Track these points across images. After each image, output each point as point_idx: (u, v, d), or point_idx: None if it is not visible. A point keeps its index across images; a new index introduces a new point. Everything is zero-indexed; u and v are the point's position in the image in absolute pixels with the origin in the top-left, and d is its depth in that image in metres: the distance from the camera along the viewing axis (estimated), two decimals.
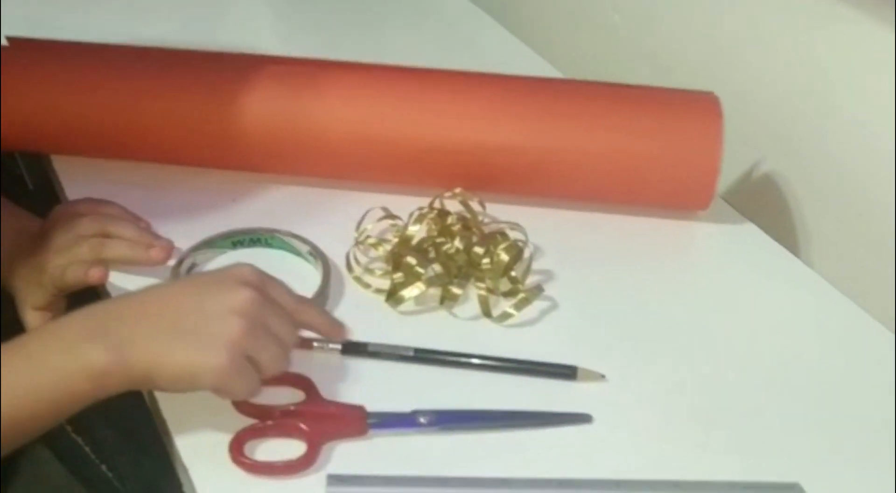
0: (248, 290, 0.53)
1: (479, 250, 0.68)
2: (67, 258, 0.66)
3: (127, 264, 0.66)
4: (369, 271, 0.69)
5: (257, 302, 0.53)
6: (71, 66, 0.75)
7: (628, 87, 0.76)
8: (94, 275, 0.65)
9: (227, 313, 0.52)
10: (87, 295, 0.68)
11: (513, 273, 0.68)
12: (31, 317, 0.69)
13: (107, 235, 0.67)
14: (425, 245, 0.69)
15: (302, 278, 0.67)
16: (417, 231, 0.70)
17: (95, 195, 0.73)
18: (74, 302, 0.70)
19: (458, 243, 0.68)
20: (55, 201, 0.74)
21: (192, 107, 0.74)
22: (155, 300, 0.54)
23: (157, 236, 0.68)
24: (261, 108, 0.73)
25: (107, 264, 0.65)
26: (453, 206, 0.72)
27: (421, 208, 0.71)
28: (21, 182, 0.92)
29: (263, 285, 0.55)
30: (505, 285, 0.67)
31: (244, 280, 0.54)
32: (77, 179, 0.77)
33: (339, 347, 0.62)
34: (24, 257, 0.68)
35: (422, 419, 0.57)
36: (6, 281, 0.69)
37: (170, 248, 0.66)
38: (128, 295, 0.55)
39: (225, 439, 0.55)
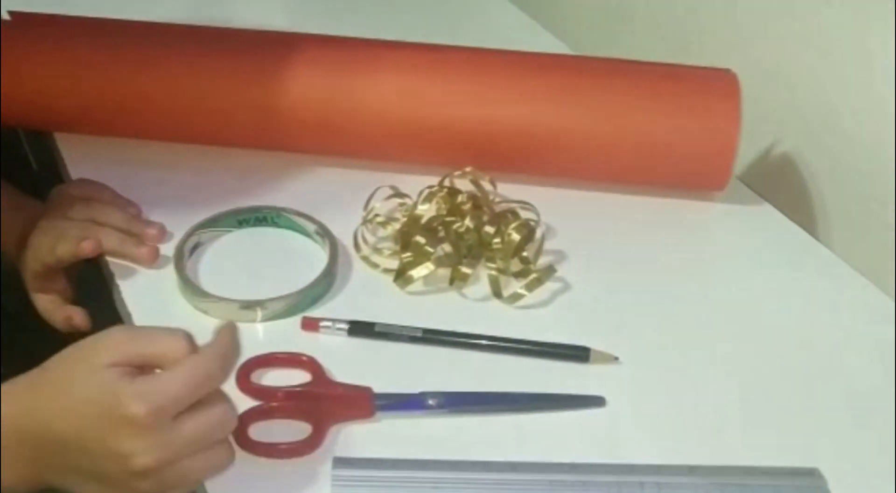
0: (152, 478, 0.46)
1: (489, 229, 0.66)
2: (54, 237, 0.65)
3: (115, 257, 0.66)
4: (377, 250, 0.68)
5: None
6: (73, 41, 0.74)
7: (643, 64, 0.75)
8: (86, 247, 0.64)
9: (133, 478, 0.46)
10: (92, 280, 0.68)
11: (524, 253, 0.66)
12: (36, 301, 0.70)
13: (96, 222, 0.66)
14: (435, 224, 0.68)
15: (308, 257, 0.66)
16: (427, 210, 0.69)
17: (99, 175, 0.72)
18: (78, 293, 0.70)
19: (468, 222, 0.67)
20: (59, 183, 0.73)
21: (197, 83, 0.73)
22: (81, 449, 0.47)
23: (147, 224, 0.68)
24: (266, 85, 0.72)
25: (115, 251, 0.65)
26: (464, 185, 0.71)
27: (431, 187, 0.70)
28: (25, 163, 0.91)
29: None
30: (516, 265, 0.66)
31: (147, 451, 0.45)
32: (81, 158, 0.76)
33: (346, 327, 0.61)
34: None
35: (430, 401, 0.56)
36: (13, 264, 0.69)
37: (157, 248, 0.66)
38: (55, 432, 0.47)
39: None
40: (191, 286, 0.63)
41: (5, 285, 0.73)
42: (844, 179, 0.76)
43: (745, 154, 0.80)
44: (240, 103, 0.73)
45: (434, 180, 0.71)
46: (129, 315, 0.62)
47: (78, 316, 0.68)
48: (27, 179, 0.76)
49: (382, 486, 0.52)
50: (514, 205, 0.70)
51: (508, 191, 0.73)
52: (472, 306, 0.64)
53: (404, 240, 0.66)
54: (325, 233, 0.67)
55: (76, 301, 0.70)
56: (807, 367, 0.61)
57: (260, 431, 0.54)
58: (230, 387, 0.55)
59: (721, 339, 0.63)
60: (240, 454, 0.52)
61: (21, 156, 0.91)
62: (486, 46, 0.76)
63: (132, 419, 0.45)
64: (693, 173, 0.73)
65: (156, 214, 0.69)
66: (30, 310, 0.70)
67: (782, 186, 0.80)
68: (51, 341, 0.70)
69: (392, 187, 0.71)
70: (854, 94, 0.74)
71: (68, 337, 0.70)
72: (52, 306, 0.69)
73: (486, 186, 0.72)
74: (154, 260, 0.65)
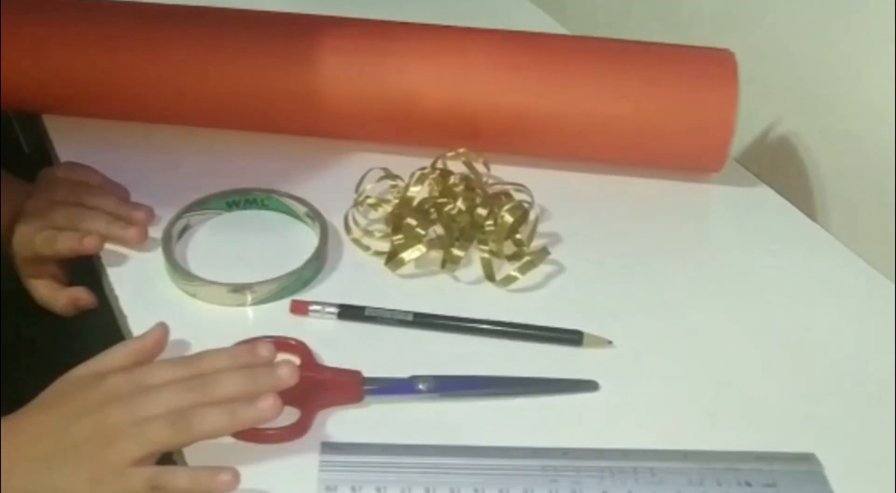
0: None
1: (482, 211, 0.65)
2: (40, 224, 0.65)
3: (103, 240, 0.65)
4: (368, 233, 0.67)
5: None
6: (64, 22, 0.73)
7: (640, 44, 0.74)
8: (89, 244, 0.63)
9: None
10: (79, 264, 0.67)
11: (517, 236, 0.66)
12: (33, 287, 0.69)
13: (84, 205, 0.66)
14: (427, 206, 0.67)
15: (299, 240, 0.66)
16: (419, 192, 0.68)
17: (88, 157, 0.72)
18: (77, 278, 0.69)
19: (460, 204, 0.66)
20: (50, 165, 0.73)
21: (189, 64, 0.72)
22: (53, 402, 0.51)
23: (135, 207, 0.67)
24: (256, 65, 0.71)
25: (102, 234, 0.64)
26: (457, 167, 0.70)
27: (423, 169, 0.69)
28: (17, 146, 0.91)
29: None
30: (509, 247, 0.65)
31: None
32: (69, 140, 0.75)
33: (335, 311, 0.60)
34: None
35: (420, 386, 0.56)
36: (7, 252, 0.68)
37: (145, 230, 0.65)
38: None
39: None
40: (179, 270, 0.62)
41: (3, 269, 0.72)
42: (843, 160, 0.75)
43: (743, 135, 0.80)
44: (231, 85, 0.72)
45: (426, 162, 0.70)
46: (116, 299, 0.62)
47: (84, 296, 0.67)
48: (19, 163, 0.75)
49: (371, 471, 0.51)
50: (507, 187, 0.69)
51: (502, 173, 0.72)
52: (464, 289, 0.63)
53: (396, 222, 0.65)
54: (315, 215, 0.66)
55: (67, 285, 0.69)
56: (804, 350, 0.61)
57: None
58: None
59: (716, 323, 0.62)
60: (227, 439, 0.52)
61: (13, 139, 0.90)
62: (480, 26, 0.75)
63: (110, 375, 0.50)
64: (690, 155, 0.72)
65: (144, 197, 0.68)
66: (25, 292, 0.69)
67: (780, 168, 0.80)
68: (47, 322, 0.70)
69: (384, 169, 0.70)
70: (853, 75, 0.73)
71: (64, 319, 0.69)
72: (51, 291, 0.68)
73: (480, 167, 0.71)
74: (142, 241, 0.64)
